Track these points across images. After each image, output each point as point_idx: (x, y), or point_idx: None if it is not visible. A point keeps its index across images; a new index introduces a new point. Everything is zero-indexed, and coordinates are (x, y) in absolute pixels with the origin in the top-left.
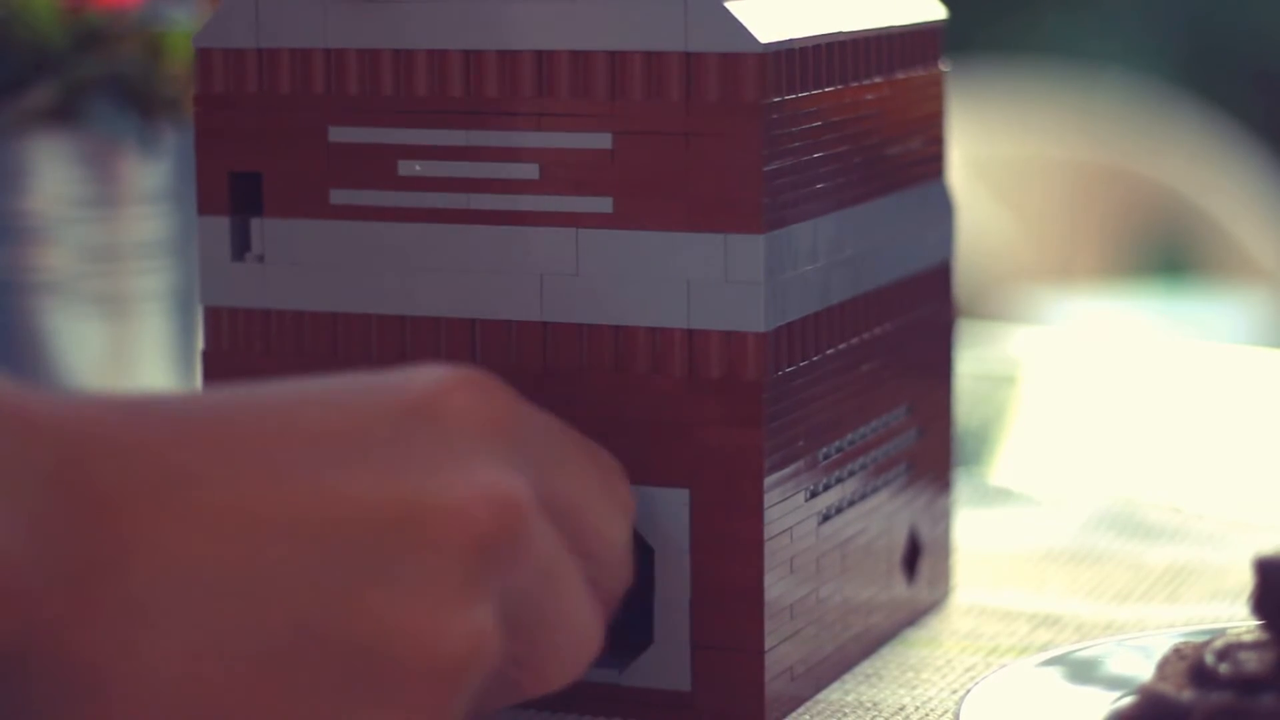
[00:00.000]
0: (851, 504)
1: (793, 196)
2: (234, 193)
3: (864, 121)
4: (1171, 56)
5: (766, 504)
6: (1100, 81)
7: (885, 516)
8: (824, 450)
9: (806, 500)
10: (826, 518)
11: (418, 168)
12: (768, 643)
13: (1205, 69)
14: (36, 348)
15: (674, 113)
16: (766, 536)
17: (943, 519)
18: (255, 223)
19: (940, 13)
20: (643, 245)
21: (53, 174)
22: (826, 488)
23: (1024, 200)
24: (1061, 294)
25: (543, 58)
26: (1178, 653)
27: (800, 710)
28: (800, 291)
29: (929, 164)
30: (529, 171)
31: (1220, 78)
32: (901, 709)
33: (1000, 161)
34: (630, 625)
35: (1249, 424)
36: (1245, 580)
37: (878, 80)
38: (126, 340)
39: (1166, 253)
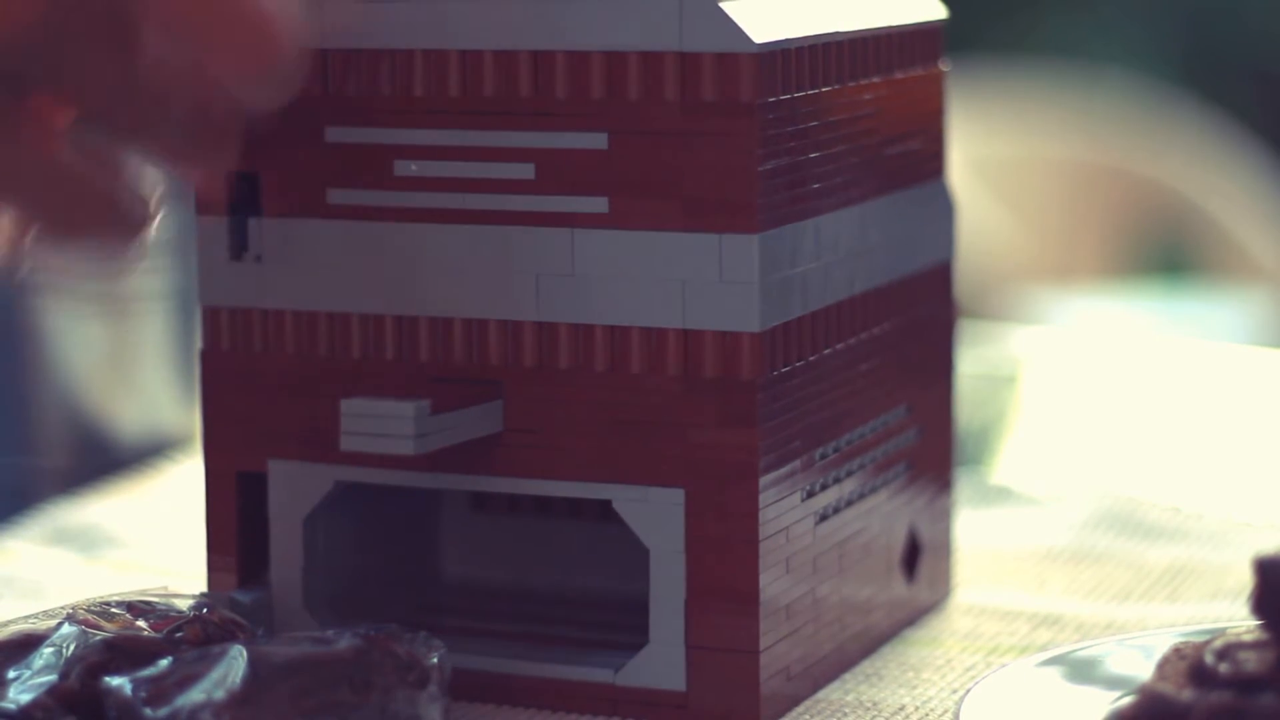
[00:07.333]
0: (850, 503)
1: (789, 196)
2: (232, 193)
3: (862, 121)
4: (1171, 56)
5: (762, 504)
6: (1100, 81)
7: (884, 516)
8: (821, 450)
9: (803, 500)
10: (824, 517)
11: (414, 167)
12: (763, 643)
13: (1205, 69)
14: (36, 348)
15: (669, 113)
16: (762, 536)
17: (942, 518)
18: (253, 222)
19: (940, 12)
20: (638, 245)
21: None
22: (824, 487)
23: (1024, 200)
24: (1061, 294)
25: (538, 58)
26: (1177, 652)
27: (798, 710)
28: (796, 291)
29: (928, 163)
30: (525, 171)
31: (1220, 78)
32: (901, 709)
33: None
34: (626, 625)
35: (1249, 424)
36: (1245, 580)
37: (876, 80)
38: (126, 340)
39: (1166, 253)
